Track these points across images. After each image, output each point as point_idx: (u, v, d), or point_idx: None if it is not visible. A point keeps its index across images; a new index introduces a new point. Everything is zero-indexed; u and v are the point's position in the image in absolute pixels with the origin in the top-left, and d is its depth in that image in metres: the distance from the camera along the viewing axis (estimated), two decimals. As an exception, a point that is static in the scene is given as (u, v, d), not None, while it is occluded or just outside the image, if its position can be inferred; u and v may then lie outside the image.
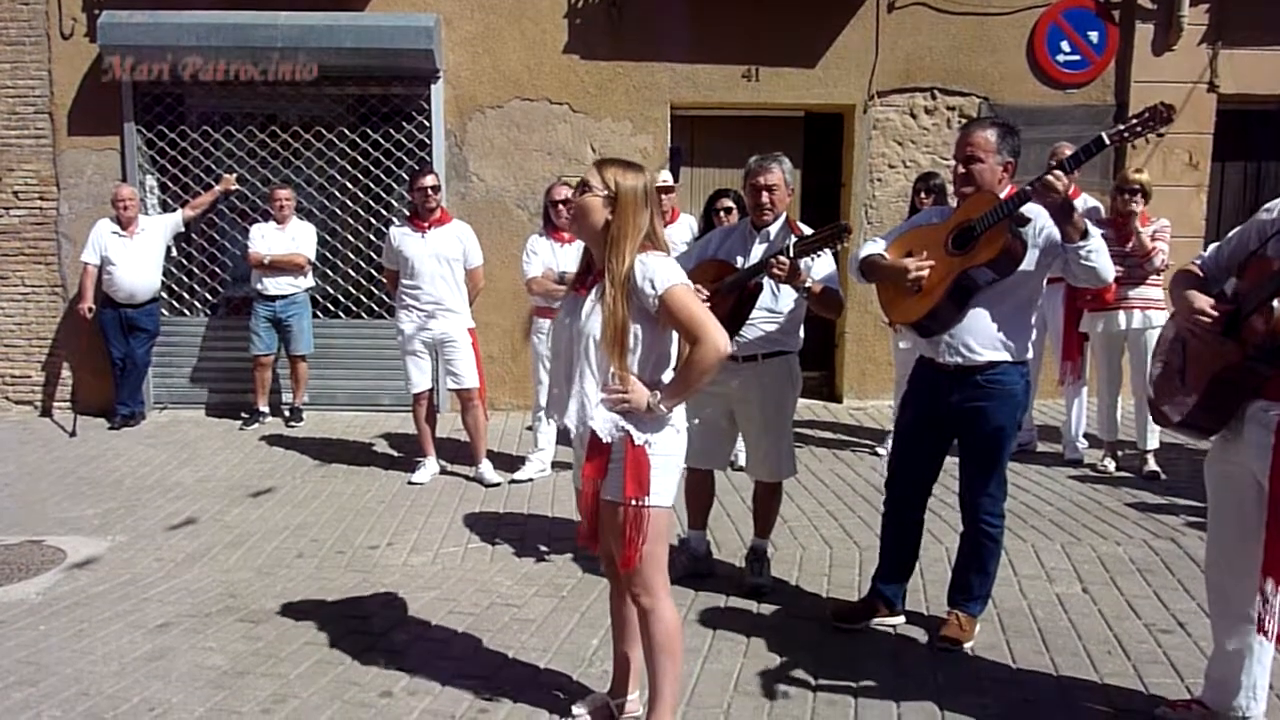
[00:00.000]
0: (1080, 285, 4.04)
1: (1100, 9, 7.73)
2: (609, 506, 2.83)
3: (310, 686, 3.42)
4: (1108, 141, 3.27)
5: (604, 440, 2.78)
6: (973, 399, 3.50)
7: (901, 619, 3.90)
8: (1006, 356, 3.49)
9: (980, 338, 3.46)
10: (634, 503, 2.75)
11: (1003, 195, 3.45)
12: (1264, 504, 2.72)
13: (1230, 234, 3.02)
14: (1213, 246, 3.12)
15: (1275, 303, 2.63)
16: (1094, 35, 7.74)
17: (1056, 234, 3.34)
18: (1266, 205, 2.93)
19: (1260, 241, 2.84)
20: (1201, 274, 3.00)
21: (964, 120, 7.78)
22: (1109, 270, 3.40)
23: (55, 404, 7.95)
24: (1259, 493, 2.76)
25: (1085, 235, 3.28)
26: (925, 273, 3.47)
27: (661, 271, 2.73)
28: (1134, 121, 3.27)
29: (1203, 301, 2.82)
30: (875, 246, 3.75)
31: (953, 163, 3.63)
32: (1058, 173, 3.19)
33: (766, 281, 3.93)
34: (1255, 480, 2.78)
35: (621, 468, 2.76)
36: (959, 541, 3.80)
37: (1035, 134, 7.64)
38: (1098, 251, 3.30)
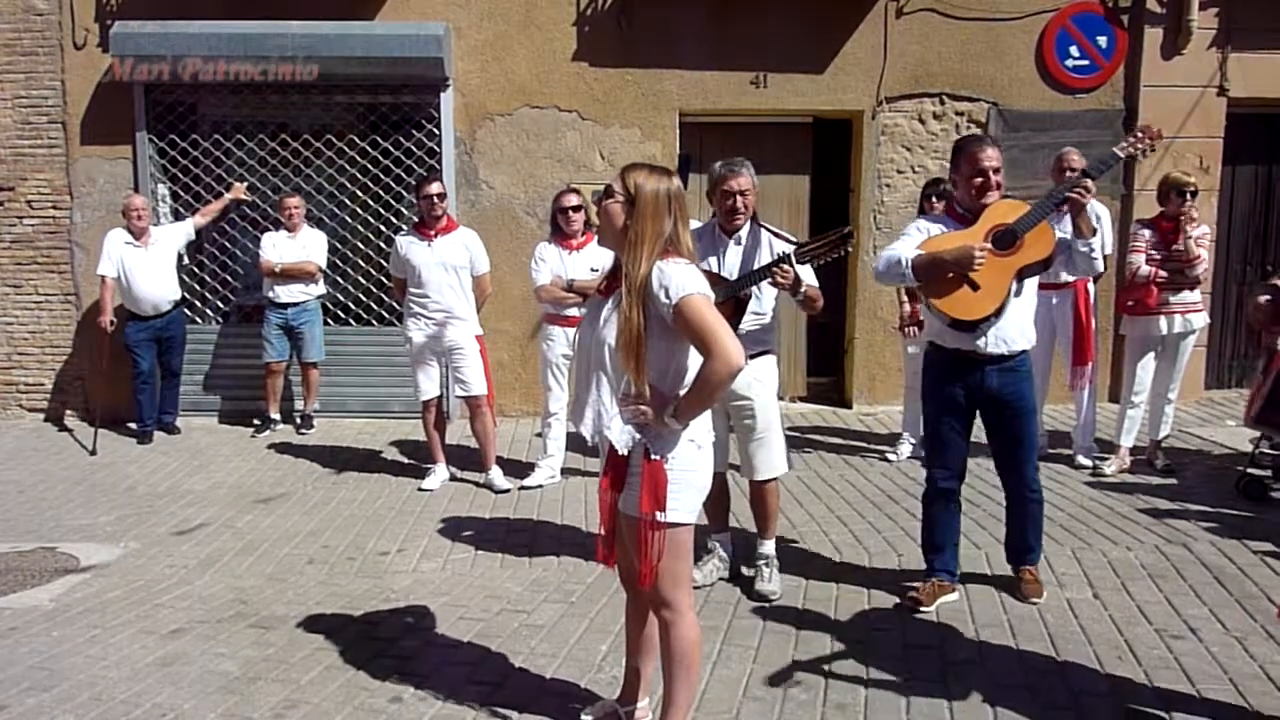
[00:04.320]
0: (1076, 275, 4.80)
1: (1109, 13, 7.72)
2: (627, 520, 2.78)
3: (321, 692, 3.43)
4: (1121, 155, 3.87)
5: (619, 452, 2.73)
6: (1010, 381, 3.97)
7: (956, 595, 4.16)
8: (1030, 343, 4.02)
9: (1017, 329, 3.95)
10: (649, 518, 2.69)
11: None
12: None
13: None
14: None
15: None
16: (1103, 40, 7.73)
17: (1066, 231, 3.91)
18: None
19: None
20: None
21: (972, 125, 7.79)
22: (1102, 262, 4.01)
23: (68, 412, 8.01)
24: None
25: (1094, 233, 3.89)
26: (986, 249, 3.78)
27: (678, 279, 2.63)
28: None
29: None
30: (907, 247, 3.91)
31: (968, 176, 3.92)
32: (1090, 181, 3.79)
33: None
34: None
35: (638, 482, 2.71)
36: (1006, 514, 4.24)
37: (1044, 139, 7.67)
38: (1099, 245, 3.95)
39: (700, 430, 2.78)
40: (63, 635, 3.95)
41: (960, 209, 4.00)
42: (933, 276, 3.87)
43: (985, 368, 3.94)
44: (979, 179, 3.88)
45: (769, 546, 4.36)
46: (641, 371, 2.65)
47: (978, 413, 4.10)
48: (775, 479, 4.34)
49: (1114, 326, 7.40)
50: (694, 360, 2.74)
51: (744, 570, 4.46)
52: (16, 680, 3.54)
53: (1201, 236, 5.80)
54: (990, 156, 3.87)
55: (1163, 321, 5.88)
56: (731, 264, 4.13)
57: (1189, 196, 5.71)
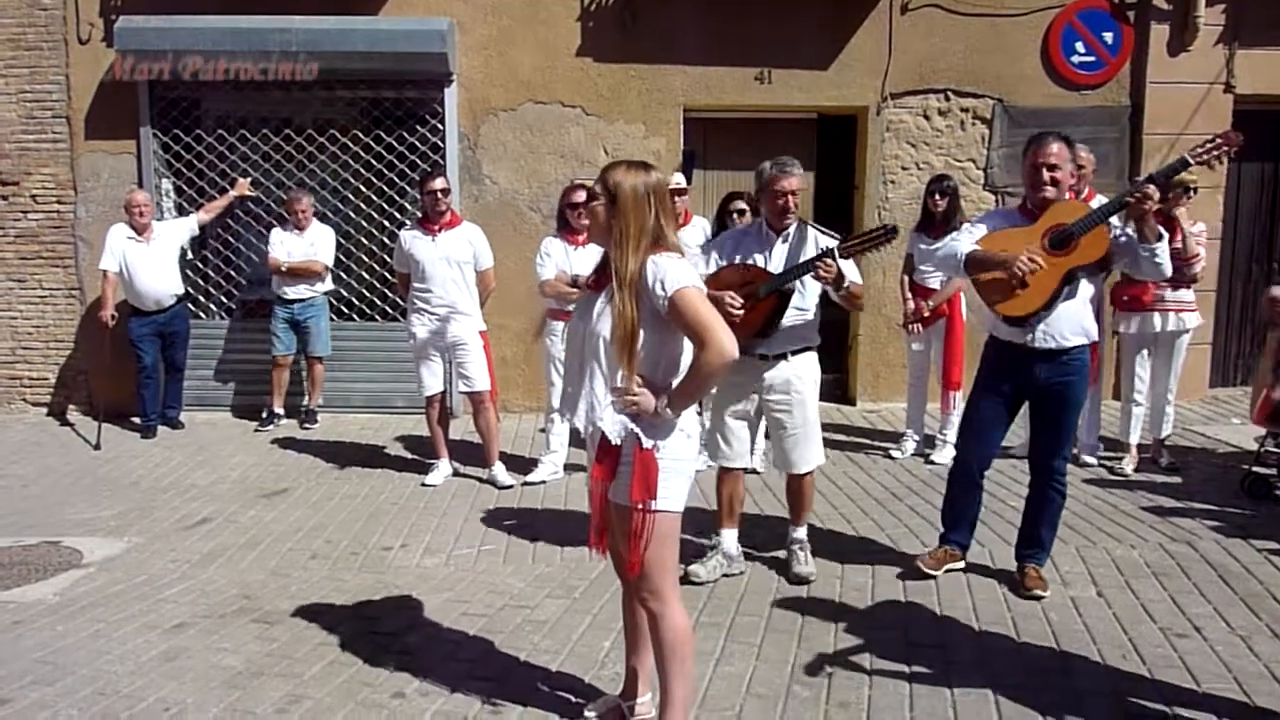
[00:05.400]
0: (1144, 279, 4.87)
1: (1115, 9, 7.69)
2: (617, 509, 2.83)
3: (324, 687, 3.43)
4: (1192, 162, 3.88)
5: (613, 441, 2.77)
6: (1060, 374, 4.05)
7: (963, 564, 4.38)
8: (1085, 340, 4.07)
9: (1070, 325, 4.01)
10: (640, 506, 2.74)
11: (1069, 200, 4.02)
12: None
13: None
14: None
15: None
16: (1109, 36, 7.70)
17: (1132, 236, 3.93)
18: None
19: None
20: None
21: (977, 122, 7.77)
22: (1169, 266, 4.02)
23: (71, 406, 8.02)
24: None
25: (1160, 237, 3.90)
26: (1036, 263, 3.85)
27: (672, 273, 2.70)
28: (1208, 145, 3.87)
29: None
30: (966, 241, 4.04)
31: (1026, 170, 4.04)
32: (1150, 188, 3.79)
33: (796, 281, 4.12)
34: None
35: (630, 471, 2.75)
36: (1027, 504, 4.33)
37: (1050, 135, 7.63)
38: (1165, 250, 3.94)
39: (689, 421, 2.85)
40: (66, 629, 3.95)
41: (1030, 204, 4.08)
42: (983, 272, 4.00)
43: (1037, 362, 4.05)
44: (1034, 174, 3.99)
45: (801, 531, 4.49)
46: (634, 364, 2.71)
47: (1023, 406, 4.26)
48: (812, 471, 4.43)
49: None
50: (686, 352, 2.80)
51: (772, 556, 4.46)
52: (20, 674, 3.55)
53: (1199, 234, 5.78)
54: (1048, 153, 3.93)
55: (1156, 318, 5.89)
56: (778, 261, 4.22)
57: (1192, 193, 5.72)
